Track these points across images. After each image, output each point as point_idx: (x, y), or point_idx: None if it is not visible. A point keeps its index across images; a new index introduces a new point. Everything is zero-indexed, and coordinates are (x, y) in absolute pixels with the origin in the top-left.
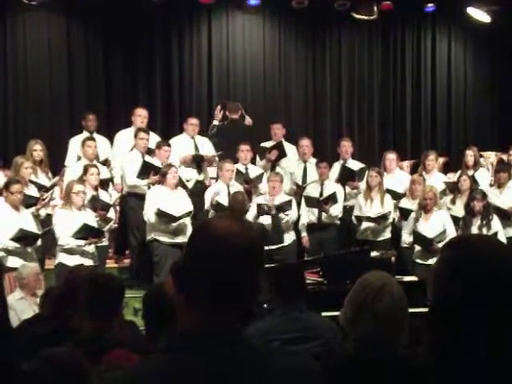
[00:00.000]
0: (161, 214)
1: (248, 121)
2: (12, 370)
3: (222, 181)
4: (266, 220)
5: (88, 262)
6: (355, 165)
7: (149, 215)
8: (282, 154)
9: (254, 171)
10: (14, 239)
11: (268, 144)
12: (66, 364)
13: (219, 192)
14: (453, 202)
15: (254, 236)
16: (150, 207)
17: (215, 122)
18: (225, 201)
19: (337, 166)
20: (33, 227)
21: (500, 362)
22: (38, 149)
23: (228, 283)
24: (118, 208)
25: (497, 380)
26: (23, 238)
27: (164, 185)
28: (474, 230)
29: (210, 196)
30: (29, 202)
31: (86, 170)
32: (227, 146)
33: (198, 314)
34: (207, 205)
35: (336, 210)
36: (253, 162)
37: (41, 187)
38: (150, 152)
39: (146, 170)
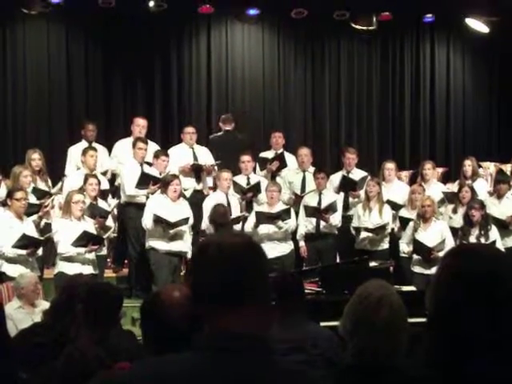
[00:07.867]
0: (157, 220)
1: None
2: (11, 380)
3: (220, 190)
4: (265, 228)
5: (88, 270)
6: (358, 173)
7: (146, 221)
8: (284, 165)
9: (256, 181)
10: (17, 246)
11: (267, 154)
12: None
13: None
14: (454, 211)
15: (248, 239)
16: (148, 214)
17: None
18: None
19: (338, 176)
20: (35, 235)
21: (501, 369)
22: (36, 158)
23: (233, 283)
24: (116, 217)
25: None
26: (26, 244)
27: (165, 194)
28: (472, 239)
29: (208, 206)
30: (30, 210)
31: (86, 179)
32: (223, 157)
33: (218, 320)
34: (206, 215)
35: (336, 219)
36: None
37: (41, 195)
38: (148, 163)
39: (145, 181)
